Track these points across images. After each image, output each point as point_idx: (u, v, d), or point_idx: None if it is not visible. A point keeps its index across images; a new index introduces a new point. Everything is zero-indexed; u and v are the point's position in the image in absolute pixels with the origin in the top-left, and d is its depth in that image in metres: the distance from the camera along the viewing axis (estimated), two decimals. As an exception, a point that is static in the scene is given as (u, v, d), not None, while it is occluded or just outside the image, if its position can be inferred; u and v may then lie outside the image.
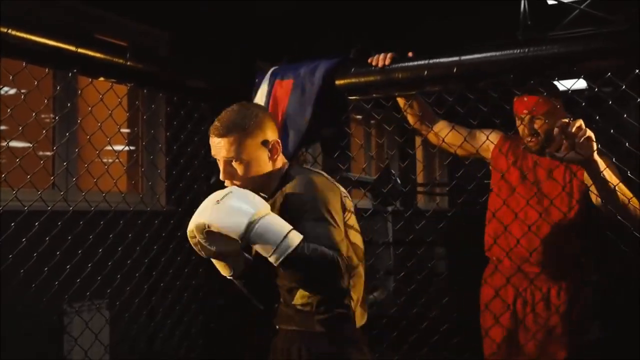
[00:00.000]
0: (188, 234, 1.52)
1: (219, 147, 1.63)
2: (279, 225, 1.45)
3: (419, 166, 6.68)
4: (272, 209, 1.63)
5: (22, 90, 2.06)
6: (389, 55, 2.08)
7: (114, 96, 2.19)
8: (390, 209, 4.96)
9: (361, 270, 1.72)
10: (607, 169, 1.91)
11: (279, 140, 1.71)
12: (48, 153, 3.37)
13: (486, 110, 2.09)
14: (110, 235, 2.29)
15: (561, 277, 2.20)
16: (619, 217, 1.91)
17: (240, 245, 1.49)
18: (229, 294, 2.42)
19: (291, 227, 1.46)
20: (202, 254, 1.55)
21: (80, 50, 1.92)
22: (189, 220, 1.52)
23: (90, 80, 2.12)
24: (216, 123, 1.64)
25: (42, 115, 3.41)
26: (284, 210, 1.61)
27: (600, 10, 3.42)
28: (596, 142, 1.82)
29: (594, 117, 1.86)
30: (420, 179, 7.22)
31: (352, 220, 1.72)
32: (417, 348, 2.38)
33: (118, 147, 2.71)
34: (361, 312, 1.72)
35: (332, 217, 1.57)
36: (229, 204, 1.45)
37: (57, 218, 2.11)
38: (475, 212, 2.42)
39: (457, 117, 2.28)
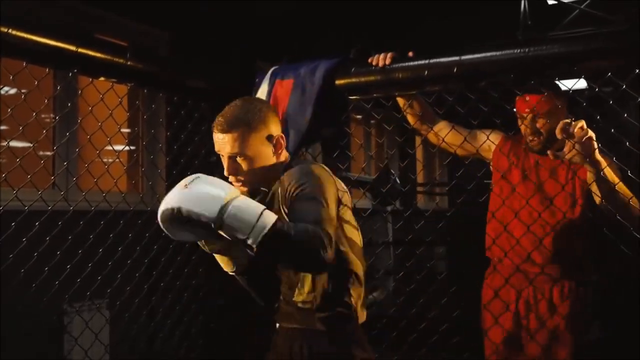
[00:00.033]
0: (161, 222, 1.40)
1: (223, 142, 1.62)
2: (252, 205, 1.37)
3: (419, 166, 6.67)
4: (272, 199, 1.63)
5: (23, 90, 2.07)
6: (389, 55, 2.08)
7: (114, 96, 2.19)
8: (389, 208, 4.96)
9: (360, 267, 1.70)
10: (608, 168, 1.91)
11: (283, 135, 1.70)
12: (48, 153, 3.37)
13: (486, 110, 2.09)
14: (111, 235, 2.28)
15: (562, 277, 2.20)
16: (618, 217, 1.91)
17: (212, 231, 1.37)
18: (229, 294, 2.43)
19: (264, 207, 1.39)
20: (205, 248, 1.54)
21: (80, 50, 1.92)
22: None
23: (90, 80, 2.12)
24: (220, 118, 1.63)
25: (43, 115, 3.41)
26: (280, 196, 1.60)
27: (600, 10, 3.42)
28: (597, 141, 1.82)
29: (594, 117, 1.86)
30: (420, 178, 7.22)
31: (349, 216, 1.69)
32: (417, 348, 2.38)
33: (118, 147, 2.71)
34: (361, 310, 1.72)
35: (324, 199, 1.53)
36: (198, 189, 1.37)
37: (57, 218, 2.11)
38: (475, 212, 2.42)
39: (458, 117, 2.28)
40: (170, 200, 1.37)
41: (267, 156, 1.65)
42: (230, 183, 1.59)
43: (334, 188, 1.63)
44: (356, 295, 1.68)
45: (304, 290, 1.65)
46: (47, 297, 2.20)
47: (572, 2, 3.67)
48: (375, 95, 2.21)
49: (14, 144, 2.18)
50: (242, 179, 1.64)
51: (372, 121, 6.12)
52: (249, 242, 1.35)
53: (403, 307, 2.63)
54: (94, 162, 2.27)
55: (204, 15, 4.04)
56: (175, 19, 3.92)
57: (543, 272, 2.19)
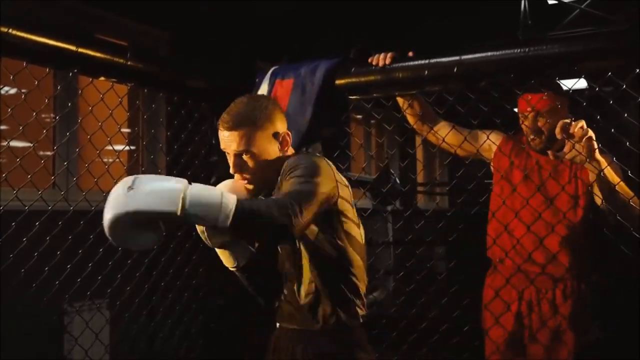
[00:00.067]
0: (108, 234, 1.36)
1: (229, 140, 1.60)
2: (210, 189, 1.34)
3: (419, 166, 6.68)
4: (278, 192, 1.62)
5: (23, 90, 2.06)
6: (389, 54, 2.08)
7: (115, 96, 2.19)
8: (389, 208, 4.96)
9: (360, 264, 1.67)
10: (608, 167, 1.91)
11: (289, 132, 1.69)
12: (48, 153, 3.37)
13: (486, 110, 2.09)
14: (111, 235, 2.28)
15: (563, 277, 2.20)
16: (618, 217, 1.91)
17: (175, 224, 1.31)
18: (229, 294, 2.43)
19: (222, 189, 1.36)
20: (208, 243, 1.52)
21: (80, 50, 1.92)
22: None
23: (90, 80, 2.12)
24: (225, 116, 1.61)
25: (43, 115, 3.41)
26: (279, 182, 1.59)
27: (600, 10, 3.43)
28: (597, 141, 1.82)
29: (594, 117, 1.86)
30: (420, 178, 7.22)
31: (349, 211, 1.66)
32: (417, 348, 2.38)
33: (118, 147, 2.71)
34: (361, 310, 1.71)
35: (310, 178, 1.50)
36: (149, 187, 1.29)
37: (57, 218, 2.11)
38: (476, 212, 2.42)
39: (458, 117, 2.28)
40: (120, 205, 1.28)
41: (273, 153, 1.64)
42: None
43: (331, 176, 1.59)
44: (356, 295, 1.67)
45: (304, 290, 1.64)
46: (47, 297, 2.19)
47: (572, 2, 3.68)
48: (375, 95, 2.21)
49: (14, 143, 2.18)
50: (248, 176, 1.63)
51: (372, 121, 6.13)
52: (220, 223, 1.31)
53: (403, 307, 2.63)
54: (94, 162, 2.27)
55: (204, 15, 4.04)
56: (175, 19, 3.93)
57: (544, 272, 2.19)
